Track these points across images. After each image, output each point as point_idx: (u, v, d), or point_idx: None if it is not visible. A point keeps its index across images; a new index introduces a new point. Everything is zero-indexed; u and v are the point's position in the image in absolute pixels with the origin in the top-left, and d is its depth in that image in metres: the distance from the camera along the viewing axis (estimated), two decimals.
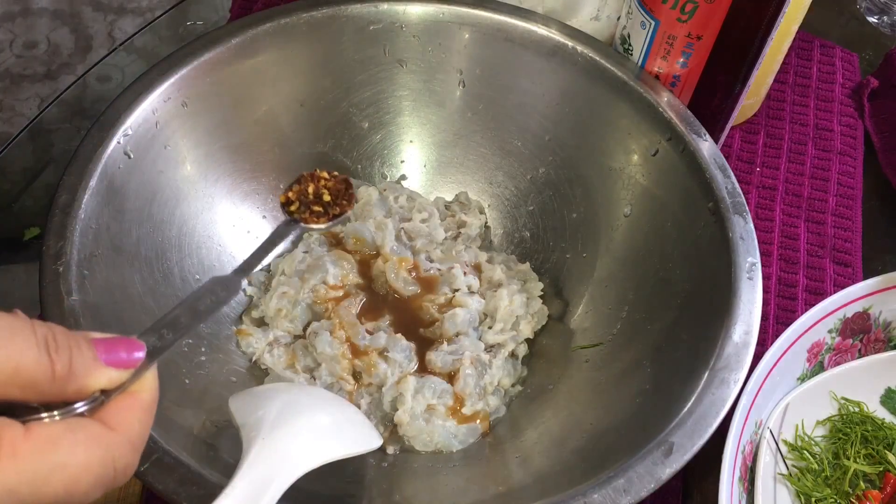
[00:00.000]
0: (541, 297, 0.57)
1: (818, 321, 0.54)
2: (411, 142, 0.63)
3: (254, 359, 0.53)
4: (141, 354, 0.30)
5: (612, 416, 0.47)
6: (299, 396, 0.44)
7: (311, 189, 0.44)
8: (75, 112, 0.72)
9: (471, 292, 0.56)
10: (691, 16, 0.52)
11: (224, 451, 0.42)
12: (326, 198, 0.43)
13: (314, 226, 0.42)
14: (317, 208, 0.43)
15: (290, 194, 0.43)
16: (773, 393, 0.53)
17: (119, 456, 0.28)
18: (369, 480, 0.48)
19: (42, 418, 0.27)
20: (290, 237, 0.41)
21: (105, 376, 0.28)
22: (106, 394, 0.28)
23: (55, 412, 0.27)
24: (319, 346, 0.52)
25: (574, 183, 0.59)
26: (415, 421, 0.50)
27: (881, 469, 0.51)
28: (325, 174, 0.44)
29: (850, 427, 0.53)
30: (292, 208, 0.43)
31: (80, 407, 0.28)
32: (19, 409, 0.27)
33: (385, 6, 0.58)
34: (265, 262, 0.42)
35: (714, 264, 0.48)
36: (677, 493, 0.52)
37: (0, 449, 0.25)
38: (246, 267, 0.37)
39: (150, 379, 0.30)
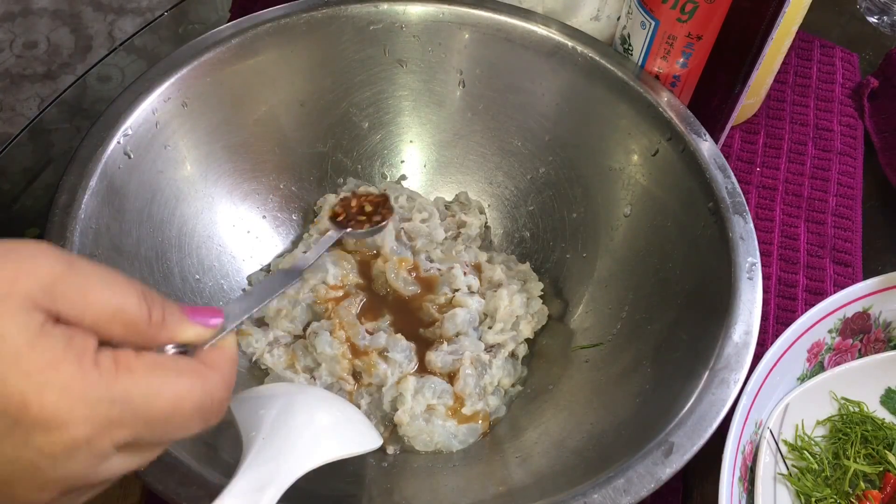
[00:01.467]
0: (541, 297, 0.57)
1: (818, 321, 0.54)
2: (411, 142, 0.63)
3: (254, 359, 0.53)
4: (220, 319, 0.33)
5: (612, 416, 0.47)
6: (300, 396, 0.44)
7: (354, 203, 0.56)
8: (75, 112, 0.72)
9: (471, 292, 0.56)
10: (691, 16, 0.52)
11: (224, 451, 0.42)
12: (368, 208, 0.54)
13: (359, 230, 0.53)
14: (361, 218, 0.54)
15: (337, 209, 0.55)
16: (773, 393, 0.53)
17: (215, 390, 0.31)
18: (369, 480, 0.48)
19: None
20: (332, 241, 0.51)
21: (192, 330, 0.32)
22: (192, 350, 0.32)
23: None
24: (319, 346, 0.52)
25: (574, 183, 0.59)
26: (415, 421, 0.50)
27: (881, 469, 0.51)
28: (366, 190, 0.57)
29: (850, 427, 0.53)
30: (339, 219, 0.54)
31: (172, 349, 0.31)
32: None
33: (385, 6, 0.58)
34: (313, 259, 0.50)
35: (714, 264, 0.48)
36: (677, 493, 0.52)
37: (118, 364, 0.28)
38: (304, 263, 0.44)
39: (231, 338, 0.34)
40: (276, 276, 0.39)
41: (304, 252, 0.57)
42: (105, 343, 0.29)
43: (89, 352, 0.27)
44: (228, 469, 0.36)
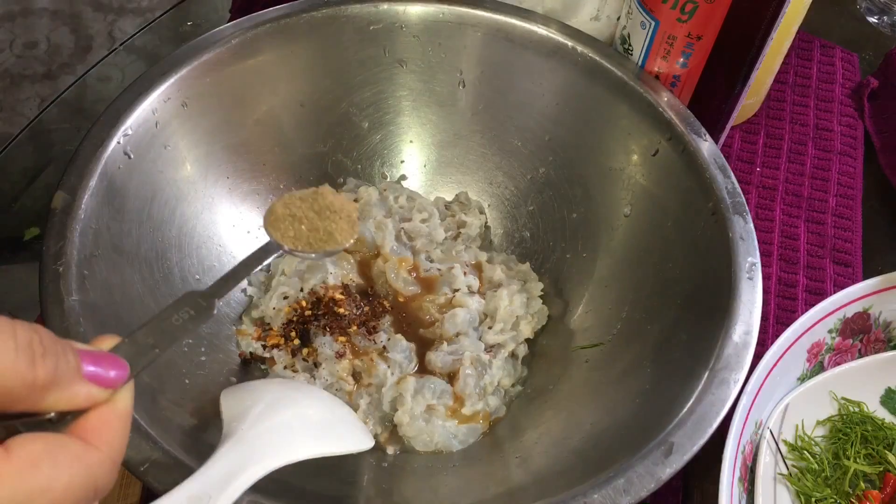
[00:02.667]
0: (541, 297, 0.57)
1: (818, 321, 0.54)
2: (411, 142, 0.63)
3: (253, 357, 0.53)
4: (124, 374, 0.28)
5: (612, 416, 0.47)
6: (291, 392, 0.45)
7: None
8: (75, 112, 0.72)
9: (471, 292, 0.56)
10: (691, 16, 0.52)
11: None
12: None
13: (299, 254, 0.41)
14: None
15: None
16: (773, 393, 0.53)
17: (100, 475, 0.27)
18: (369, 481, 0.48)
19: (11, 425, 0.25)
20: (269, 260, 0.40)
21: (85, 391, 0.27)
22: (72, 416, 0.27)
23: (16, 422, 0.26)
24: (319, 346, 0.52)
25: (574, 183, 0.59)
26: (415, 421, 0.50)
27: (881, 469, 0.51)
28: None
29: (850, 427, 0.53)
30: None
31: (50, 415, 0.26)
32: None
33: (385, 6, 0.58)
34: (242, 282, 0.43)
35: (714, 264, 0.48)
36: (677, 493, 0.52)
37: None
38: (217, 290, 0.36)
39: (125, 394, 0.28)
40: (183, 314, 0.34)
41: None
42: None
43: None
44: None
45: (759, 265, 0.47)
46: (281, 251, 0.40)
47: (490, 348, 0.54)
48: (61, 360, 0.26)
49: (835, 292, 0.55)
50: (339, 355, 0.51)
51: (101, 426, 0.27)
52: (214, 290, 0.36)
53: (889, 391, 0.55)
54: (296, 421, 0.40)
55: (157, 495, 0.35)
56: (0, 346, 0.24)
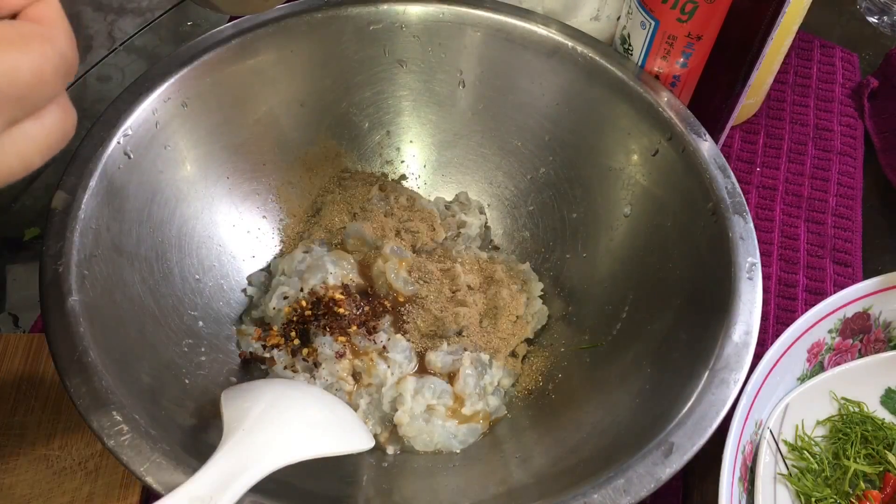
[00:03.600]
0: (541, 297, 0.57)
1: (818, 321, 0.54)
2: (411, 142, 0.63)
3: (253, 357, 0.53)
4: None
5: (612, 416, 0.47)
6: (291, 392, 0.45)
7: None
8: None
9: (471, 292, 0.56)
10: (691, 16, 0.52)
11: None
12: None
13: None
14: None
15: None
16: (773, 393, 0.53)
17: (65, 47, 0.28)
18: (369, 481, 0.48)
19: None
20: None
21: None
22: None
23: None
24: (319, 346, 0.52)
25: (574, 183, 0.59)
26: (415, 421, 0.50)
27: (881, 469, 0.51)
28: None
29: (850, 427, 0.53)
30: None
31: None
32: None
33: (385, 6, 0.58)
34: None
35: (714, 264, 0.48)
36: (677, 493, 0.52)
37: None
38: None
39: None
40: None
41: (305, 252, 0.57)
42: None
43: None
44: None
45: (759, 265, 0.47)
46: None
47: (490, 348, 0.54)
48: None
49: (835, 292, 0.55)
50: (339, 355, 0.52)
51: (43, 9, 0.29)
52: None
53: (889, 391, 0.55)
54: (296, 421, 0.40)
55: (157, 496, 0.35)
56: None
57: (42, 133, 0.29)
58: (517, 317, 0.55)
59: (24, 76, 0.27)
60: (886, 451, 0.51)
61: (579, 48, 0.57)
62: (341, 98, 0.60)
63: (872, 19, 0.84)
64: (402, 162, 0.64)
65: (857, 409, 0.54)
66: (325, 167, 0.62)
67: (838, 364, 0.56)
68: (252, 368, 0.53)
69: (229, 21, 0.56)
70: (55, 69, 0.28)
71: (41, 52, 0.27)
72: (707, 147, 0.52)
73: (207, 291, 0.54)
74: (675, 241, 0.52)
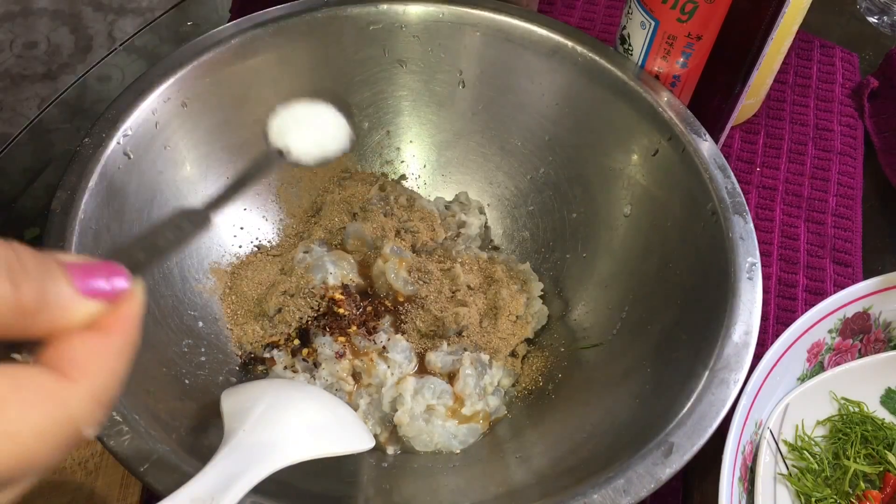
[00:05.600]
0: (541, 297, 0.57)
1: (818, 321, 0.54)
2: (411, 142, 0.63)
3: (253, 357, 0.53)
4: (124, 283, 0.25)
5: (612, 416, 0.47)
6: (291, 393, 0.45)
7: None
8: (75, 112, 0.72)
9: (471, 292, 0.56)
10: (691, 16, 0.52)
11: None
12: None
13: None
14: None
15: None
16: (773, 393, 0.53)
17: (79, 411, 0.23)
18: (369, 481, 0.48)
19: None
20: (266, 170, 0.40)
21: (83, 309, 0.23)
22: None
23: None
24: (319, 346, 0.52)
25: (574, 183, 0.59)
26: (415, 421, 0.50)
27: (881, 469, 0.51)
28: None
29: (850, 427, 0.53)
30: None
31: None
32: None
33: (385, 6, 0.58)
34: (239, 196, 0.38)
35: (714, 264, 0.48)
36: (677, 493, 0.52)
37: None
38: (218, 202, 0.35)
39: (127, 312, 0.24)
40: (175, 217, 0.31)
41: (304, 252, 0.57)
42: None
43: None
44: None
45: (759, 265, 0.47)
46: (281, 159, 0.40)
47: (490, 348, 0.54)
48: (48, 278, 0.22)
49: (835, 292, 0.55)
50: (339, 355, 0.52)
51: (82, 355, 0.23)
52: (211, 205, 0.34)
53: (889, 391, 0.55)
54: (297, 421, 0.40)
55: (157, 496, 0.35)
56: None
57: None
58: (517, 317, 0.55)
59: (6, 456, 0.21)
60: (886, 451, 0.51)
61: (579, 48, 0.57)
62: (341, 98, 0.60)
63: (872, 19, 0.84)
64: (402, 162, 0.64)
65: (857, 409, 0.54)
66: (325, 167, 0.62)
67: (838, 364, 0.56)
68: (252, 368, 0.53)
69: (229, 21, 0.56)
70: (56, 441, 0.22)
71: (40, 419, 0.22)
72: (707, 147, 0.52)
73: (207, 292, 0.54)
74: (675, 241, 0.52)
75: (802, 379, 0.55)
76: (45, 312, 0.22)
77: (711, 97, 0.57)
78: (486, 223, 0.62)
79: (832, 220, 0.67)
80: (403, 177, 0.64)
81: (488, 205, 0.63)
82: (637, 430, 0.43)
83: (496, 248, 0.62)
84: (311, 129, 0.41)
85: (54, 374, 0.23)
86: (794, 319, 0.53)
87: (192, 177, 0.54)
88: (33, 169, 0.69)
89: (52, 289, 0.22)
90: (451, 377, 0.52)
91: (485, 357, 0.53)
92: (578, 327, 0.56)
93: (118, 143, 0.49)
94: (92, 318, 0.24)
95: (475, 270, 0.58)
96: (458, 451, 0.50)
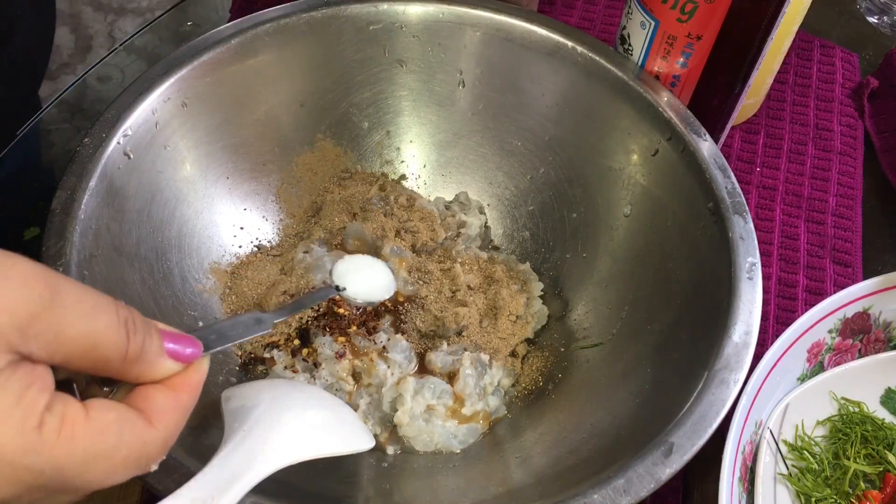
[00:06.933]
0: (541, 297, 0.57)
1: (818, 321, 0.54)
2: (411, 142, 0.63)
3: (253, 357, 0.53)
4: (198, 352, 0.32)
5: (612, 416, 0.47)
6: (291, 392, 0.45)
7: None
8: (75, 112, 0.72)
9: (471, 292, 0.56)
10: (691, 16, 0.52)
11: None
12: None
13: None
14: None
15: None
16: (773, 393, 0.53)
17: (154, 453, 0.30)
18: (369, 481, 0.48)
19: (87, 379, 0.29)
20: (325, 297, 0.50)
21: (166, 366, 0.31)
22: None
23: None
24: (319, 346, 0.52)
25: (574, 183, 0.59)
26: (415, 421, 0.50)
27: (881, 469, 0.51)
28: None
29: (850, 427, 0.53)
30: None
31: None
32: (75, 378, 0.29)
33: (385, 6, 0.58)
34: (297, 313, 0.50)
35: (714, 264, 0.48)
36: (677, 493, 0.52)
37: (62, 428, 0.26)
38: (281, 314, 0.43)
39: (195, 378, 0.32)
40: (249, 320, 0.39)
41: (304, 252, 0.57)
42: (66, 378, 0.28)
43: (37, 410, 0.26)
44: None
45: (759, 265, 0.47)
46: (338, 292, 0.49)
47: (490, 348, 0.54)
48: (148, 337, 0.29)
49: (835, 292, 0.55)
50: (339, 355, 0.52)
51: (165, 408, 0.30)
52: (274, 314, 0.42)
53: (889, 391, 0.55)
54: (297, 421, 0.40)
55: (157, 496, 0.35)
56: (106, 320, 0.28)
57: None
58: (517, 317, 0.55)
59: (95, 475, 0.27)
60: (886, 451, 0.51)
61: (579, 48, 0.57)
62: (341, 98, 0.60)
63: (872, 19, 0.84)
64: (402, 162, 0.64)
65: (857, 409, 0.54)
66: (325, 167, 0.62)
67: (838, 364, 0.56)
68: (252, 368, 0.53)
69: (229, 21, 0.56)
70: (128, 469, 0.28)
71: (126, 453, 0.28)
72: (707, 147, 0.52)
73: (207, 292, 0.54)
74: (675, 241, 0.52)
75: (802, 379, 0.55)
76: (141, 363, 0.29)
77: (711, 97, 0.57)
78: (486, 223, 0.62)
79: (832, 220, 0.67)
80: (403, 177, 0.64)
81: (488, 205, 0.63)
82: (637, 430, 0.43)
83: (496, 248, 0.62)
84: (366, 278, 0.52)
85: (143, 419, 0.29)
86: (794, 319, 0.53)
87: (192, 177, 0.54)
88: (33, 169, 0.69)
89: (149, 346, 0.29)
90: (451, 377, 0.52)
91: (485, 357, 0.53)
92: (578, 327, 0.56)
93: (118, 143, 0.49)
94: (170, 374, 0.31)
95: (475, 270, 0.58)
96: (458, 451, 0.50)
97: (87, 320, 0.27)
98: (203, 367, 0.33)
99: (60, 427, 0.26)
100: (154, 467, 0.30)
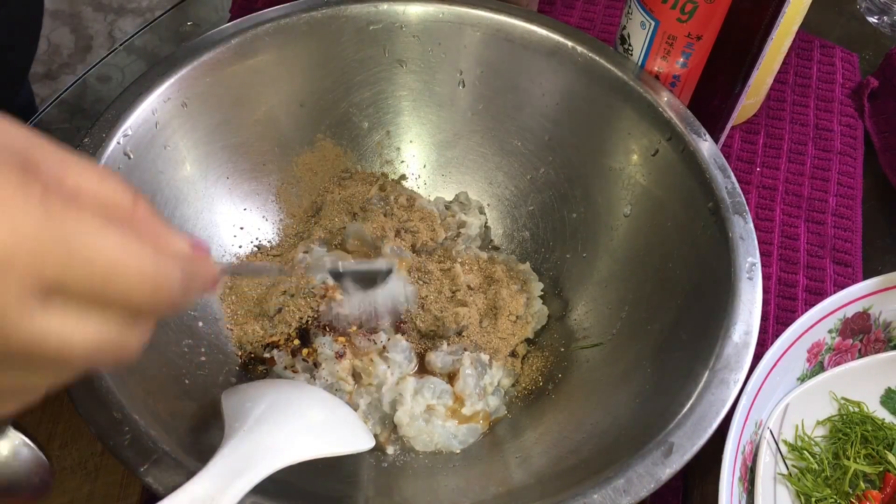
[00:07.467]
0: (541, 297, 0.57)
1: (818, 321, 0.54)
2: (411, 142, 0.63)
3: (252, 357, 0.53)
4: (208, 249, 0.33)
5: (612, 417, 0.47)
6: (292, 393, 0.45)
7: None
8: (75, 112, 0.72)
9: (471, 292, 0.56)
10: (691, 16, 0.52)
11: None
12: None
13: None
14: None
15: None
16: (773, 393, 0.53)
17: (169, 270, 0.27)
18: (369, 481, 0.48)
19: None
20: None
21: (179, 243, 0.30)
22: None
23: None
24: (319, 346, 0.52)
25: (574, 183, 0.59)
26: (415, 421, 0.50)
27: (881, 469, 0.51)
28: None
29: (850, 427, 0.53)
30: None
31: None
32: None
33: (385, 6, 0.58)
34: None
35: (714, 264, 0.48)
36: (677, 493, 0.52)
37: (69, 202, 0.24)
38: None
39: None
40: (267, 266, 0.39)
41: (304, 252, 0.57)
42: None
43: (41, 187, 0.24)
44: None
45: (759, 265, 0.47)
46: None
47: (490, 348, 0.54)
48: (157, 214, 0.29)
49: (835, 292, 0.55)
50: (339, 356, 0.52)
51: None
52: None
53: (889, 391, 0.55)
54: (297, 421, 0.41)
55: (157, 496, 0.35)
56: (112, 175, 0.27)
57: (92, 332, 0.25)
58: (517, 317, 0.55)
59: (105, 254, 0.24)
60: (886, 451, 0.51)
61: (579, 48, 0.57)
62: (341, 98, 0.60)
63: (872, 19, 0.84)
64: (402, 162, 0.64)
65: (857, 409, 0.54)
66: (325, 167, 0.62)
67: (838, 364, 0.56)
68: (252, 368, 0.53)
69: (229, 21, 0.56)
70: (141, 274, 0.25)
71: (139, 250, 0.25)
72: (707, 147, 0.52)
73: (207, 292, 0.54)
74: (675, 241, 0.52)
75: (802, 379, 0.55)
76: (150, 226, 0.28)
77: (711, 97, 0.57)
78: (486, 223, 0.62)
79: (832, 220, 0.67)
80: (403, 177, 0.64)
81: (488, 205, 0.63)
82: (637, 430, 0.43)
83: (496, 248, 0.62)
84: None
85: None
86: (794, 319, 0.53)
87: (192, 176, 0.54)
88: None
89: (159, 218, 0.29)
90: (451, 377, 0.52)
91: (485, 357, 0.53)
92: (578, 327, 0.56)
93: (118, 143, 0.49)
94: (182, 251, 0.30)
95: (475, 270, 0.58)
96: (458, 451, 0.50)
97: (90, 165, 0.27)
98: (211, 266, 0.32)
99: (67, 202, 0.24)
100: (168, 306, 0.27)
